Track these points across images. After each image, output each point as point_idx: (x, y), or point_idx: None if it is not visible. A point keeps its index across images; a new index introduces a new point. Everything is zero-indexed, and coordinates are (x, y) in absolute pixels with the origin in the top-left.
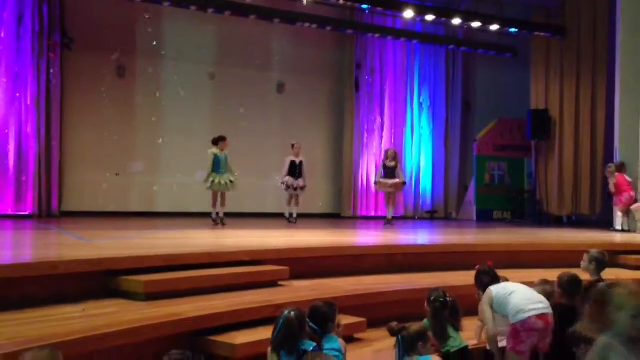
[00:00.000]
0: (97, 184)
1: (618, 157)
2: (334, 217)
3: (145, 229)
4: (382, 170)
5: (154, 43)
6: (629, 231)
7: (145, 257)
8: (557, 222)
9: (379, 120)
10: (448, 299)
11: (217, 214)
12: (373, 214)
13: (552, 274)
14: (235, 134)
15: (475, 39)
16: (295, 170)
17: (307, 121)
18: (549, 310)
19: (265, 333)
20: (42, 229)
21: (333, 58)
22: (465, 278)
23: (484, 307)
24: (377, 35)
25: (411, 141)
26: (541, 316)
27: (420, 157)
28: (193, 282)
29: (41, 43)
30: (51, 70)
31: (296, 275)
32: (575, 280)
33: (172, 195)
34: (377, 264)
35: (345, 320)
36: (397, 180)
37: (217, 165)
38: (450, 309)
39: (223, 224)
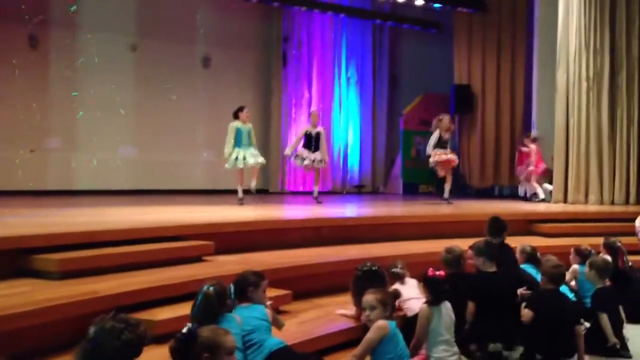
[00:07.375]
0: (10, 161)
1: (535, 129)
2: (262, 193)
3: (62, 207)
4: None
5: (71, 9)
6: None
7: (60, 234)
8: (485, 195)
9: (306, 94)
10: None
11: (245, 191)
12: (301, 189)
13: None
14: (159, 109)
15: (401, 13)
16: (311, 142)
17: (234, 95)
18: None
19: (187, 309)
20: None
21: (260, 31)
22: (391, 249)
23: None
24: (303, 8)
25: (339, 116)
26: None
27: (348, 132)
28: (112, 259)
29: None
30: None
31: (222, 250)
32: (489, 245)
33: (92, 172)
34: (304, 237)
35: (270, 292)
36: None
37: (239, 139)
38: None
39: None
